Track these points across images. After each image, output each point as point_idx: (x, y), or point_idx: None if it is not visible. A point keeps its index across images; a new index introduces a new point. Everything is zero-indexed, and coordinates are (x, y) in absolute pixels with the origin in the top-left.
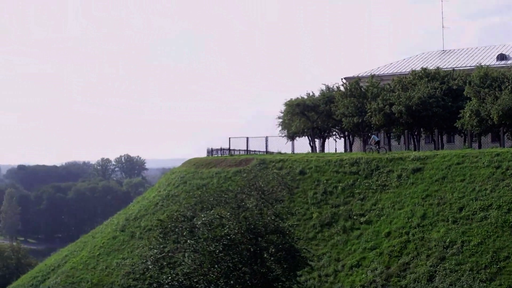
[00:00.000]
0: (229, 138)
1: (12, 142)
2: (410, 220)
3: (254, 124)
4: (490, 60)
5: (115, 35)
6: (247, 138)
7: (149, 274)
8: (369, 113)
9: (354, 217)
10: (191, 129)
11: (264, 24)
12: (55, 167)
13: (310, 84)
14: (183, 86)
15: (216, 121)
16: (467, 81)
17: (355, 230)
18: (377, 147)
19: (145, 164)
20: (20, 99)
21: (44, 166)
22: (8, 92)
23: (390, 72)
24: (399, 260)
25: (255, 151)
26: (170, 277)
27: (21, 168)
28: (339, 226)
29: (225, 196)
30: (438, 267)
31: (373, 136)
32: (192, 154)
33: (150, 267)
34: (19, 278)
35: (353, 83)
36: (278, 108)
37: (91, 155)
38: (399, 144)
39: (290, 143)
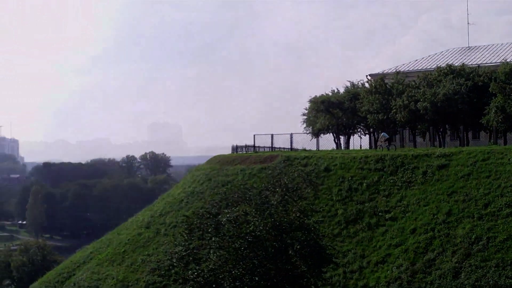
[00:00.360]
0: (254, 135)
1: (40, 138)
2: (435, 216)
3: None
4: None
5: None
6: (272, 135)
7: (174, 271)
8: (394, 110)
9: (379, 213)
10: (216, 126)
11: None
12: (80, 164)
13: (334, 81)
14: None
15: (241, 118)
16: (493, 77)
17: (380, 226)
18: (387, 144)
19: (170, 161)
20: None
21: (69, 163)
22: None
23: (415, 68)
24: (424, 256)
25: (280, 148)
26: (195, 273)
27: (47, 165)
28: (364, 222)
29: (250, 193)
30: (464, 263)
31: (383, 133)
32: (217, 151)
33: (175, 263)
34: (44, 275)
35: (378, 79)
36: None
37: (116, 152)
38: (424, 140)
39: (314, 140)
